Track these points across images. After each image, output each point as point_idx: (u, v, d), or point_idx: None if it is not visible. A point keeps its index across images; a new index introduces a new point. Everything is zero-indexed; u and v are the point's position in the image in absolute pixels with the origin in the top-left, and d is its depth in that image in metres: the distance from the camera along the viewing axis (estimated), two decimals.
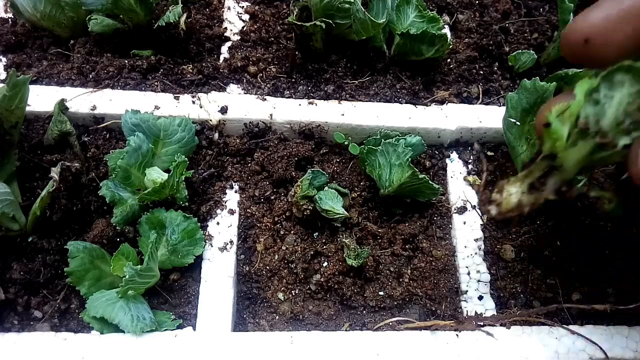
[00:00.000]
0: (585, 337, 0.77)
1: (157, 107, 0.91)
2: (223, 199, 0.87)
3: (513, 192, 0.51)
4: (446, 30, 1.11)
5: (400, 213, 0.91)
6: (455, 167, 0.96)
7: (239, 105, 0.93)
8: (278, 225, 0.87)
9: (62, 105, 0.86)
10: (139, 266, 0.71)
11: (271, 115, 0.92)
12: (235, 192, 0.89)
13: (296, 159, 0.91)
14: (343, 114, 0.94)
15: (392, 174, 0.85)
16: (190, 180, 0.87)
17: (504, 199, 0.51)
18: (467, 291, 0.84)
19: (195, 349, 0.72)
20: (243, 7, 1.12)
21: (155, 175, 0.80)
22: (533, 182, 0.49)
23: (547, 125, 0.49)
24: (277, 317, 0.81)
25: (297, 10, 0.97)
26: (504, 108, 0.86)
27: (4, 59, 0.99)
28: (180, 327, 0.76)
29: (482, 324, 0.78)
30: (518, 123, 0.81)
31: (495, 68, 1.11)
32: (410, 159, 0.82)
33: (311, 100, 0.96)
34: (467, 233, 0.88)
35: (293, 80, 1.01)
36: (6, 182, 0.77)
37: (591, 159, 0.46)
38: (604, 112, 0.44)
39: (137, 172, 0.81)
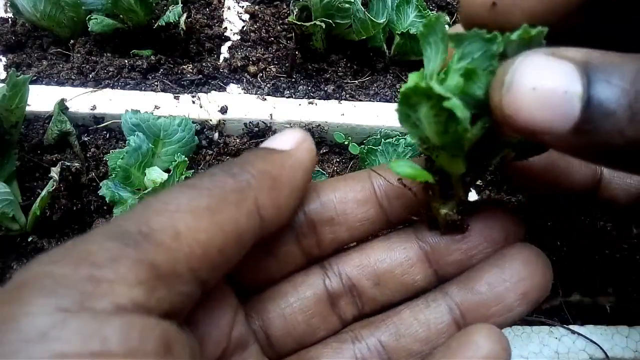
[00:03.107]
0: (585, 337, 0.77)
1: (157, 107, 0.91)
2: None
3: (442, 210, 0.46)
4: None
5: None
6: None
7: (239, 105, 0.93)
8: None
9: (62, 105, 0.86)
10: None
11: (271, 115, 0.92)
12: None
13: None
14: (343, 114, 0.93)
15: None
16: None
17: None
18: None
19: None
20: (243, 7, 1.12)
21: (155, 175, 0.80)
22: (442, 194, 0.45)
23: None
24: None
25: (297, 10, 0.97)
26: None
27: (4, 59, 0.99)
28: None
29: None
30: None
31: None
32: (410, 159, 0.82)
33: (311, 100, 0.96)
34: None
35: (293, 80, 1.01)
36: (6, 182, 0.77)
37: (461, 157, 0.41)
38: (425, 132, 0.40)
39: (137, 172, 0.81)
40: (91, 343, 0.27)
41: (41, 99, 0.89)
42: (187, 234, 0.32)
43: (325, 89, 0.99)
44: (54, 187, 0.75)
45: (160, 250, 0.31)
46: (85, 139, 0.89)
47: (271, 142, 0.42)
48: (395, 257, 0.46)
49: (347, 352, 0.44)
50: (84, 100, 0.90)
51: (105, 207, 0.83)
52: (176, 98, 0.93)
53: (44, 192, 0.76)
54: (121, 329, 0.28)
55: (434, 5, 1.18)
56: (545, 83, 0.32)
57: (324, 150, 0.95)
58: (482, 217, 0.46)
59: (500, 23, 0.37)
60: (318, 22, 0.93)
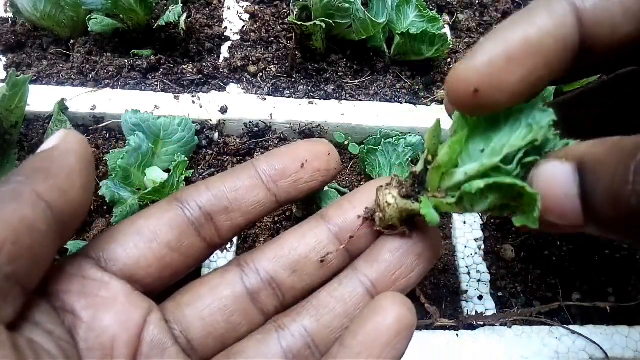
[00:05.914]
0: (585, 337, 0.77)
1: (157, 107, 0.91)
2: None
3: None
4: (446, 30, 1.11)
5: None
6: None
7: (239, 105, 0.93)
8: (278, 225, 0.87)
9: (62, 105, 0.86)
10: None
11: (271, 115, 0.92)
12: None
13: None
14: (343, 114, 0.93)
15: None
16: (190, 180, 0.87)
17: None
18: (467, 291, 0.83)
19: None
20: (243, 7, 1.12)
21: (155, 174, 0.80)
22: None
23: None
24: None
25: (297, 10, 0.97)
26: None
27: (4, 59, 0.99)
28: None
29: (482, 323, 0.78)
30: None
31: None
32: (410, 159, 0.83)
33: (311, 100, 0.96)
34: (467, 233, 0.88)
35: (293, 80, 1.01)
36: None
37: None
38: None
39: (137, 171, 0.81)
40: None
41: (41, 99, 0.89)
42: None
43: (325, 88, 0.99)
44: None
45: None
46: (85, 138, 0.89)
47: (40, 148, 0.46)
48: (307, 243, 0.49)
49: (272, 342, 0.46)
50: (84, 100, 0.90)
51: (105, 207, 0.83)
52: (176, 98, 0.93)
53: None
54: None
55: (434, 5, 1.18)
56: (549, 190, 0.36)
57: None
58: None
59: (484, 105, 0.39)
60: (318, 22, 0.93)
